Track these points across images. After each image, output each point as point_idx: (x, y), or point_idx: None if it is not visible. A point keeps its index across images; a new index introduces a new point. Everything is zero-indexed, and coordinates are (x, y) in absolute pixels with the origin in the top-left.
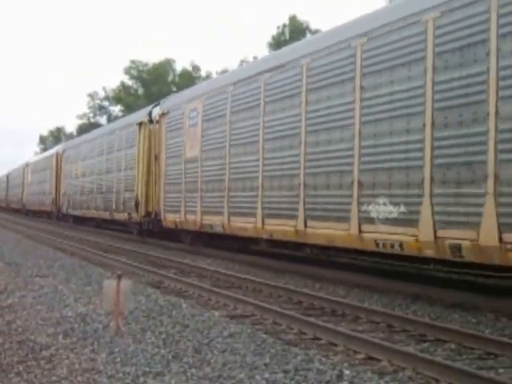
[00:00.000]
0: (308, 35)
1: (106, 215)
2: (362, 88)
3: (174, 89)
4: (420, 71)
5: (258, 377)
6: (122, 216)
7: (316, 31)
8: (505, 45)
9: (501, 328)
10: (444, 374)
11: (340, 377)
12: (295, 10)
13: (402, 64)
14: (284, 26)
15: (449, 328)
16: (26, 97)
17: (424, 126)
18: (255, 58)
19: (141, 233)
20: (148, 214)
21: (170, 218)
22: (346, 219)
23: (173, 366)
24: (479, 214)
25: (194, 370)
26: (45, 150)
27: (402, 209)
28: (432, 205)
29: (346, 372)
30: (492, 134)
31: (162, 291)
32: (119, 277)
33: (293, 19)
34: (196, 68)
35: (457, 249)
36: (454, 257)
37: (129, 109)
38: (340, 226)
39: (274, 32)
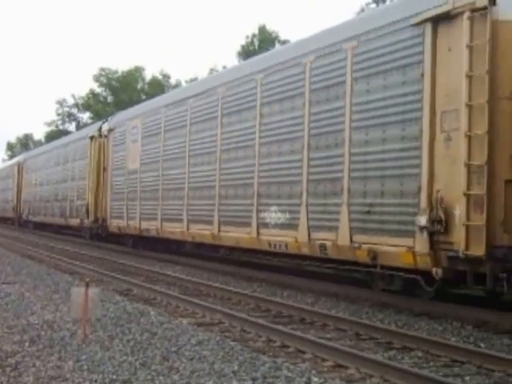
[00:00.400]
0: (277, 45)
1: (61, 221)
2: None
3: (144, 97)
4: (300, 104)
5: None
6: (75, 222)
7: (285, 41)
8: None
9: (466, 336)
10: (412, 382)
11: None
12: (265, 20)
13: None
14: (253, 35)
15: (415, 336)
16: None
17: (303, 148)
18: (224, 67)
19: (91, 237)
20: (97, 220)
21: (114, 224)
22: (249, 224)
23: (140, 374)
24: (338, 220)
25: (161, 378)
26: (12, 157)
27: (287, 215)
28: (307, 212)
29: (315, 379)
30: (346, 156)
31: (130, 299)
32: (87, 284)
33: (262, 29)
34: (166, 76)
35: (323, 247)
36: (322, 254)
37: (98, 116)
38: (244, 230)
39: (243, 42)
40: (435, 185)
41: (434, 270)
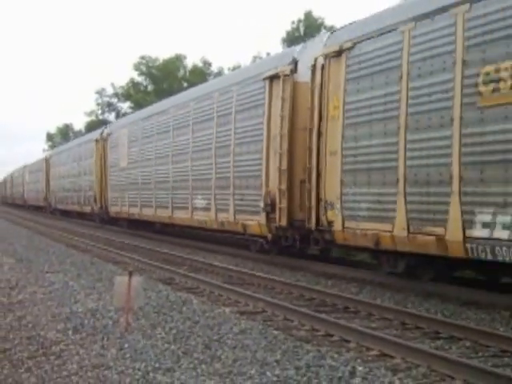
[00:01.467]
0: (323, 31)
1: (78, 208)
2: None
3: (185, 85)
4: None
5: (268, 373)
6: (87, 209)
7: (331, 27)
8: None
9: None
10: (459, 372)
11: (353, 373)
12: (311, 6)
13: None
14: (299, 21)
15: (463, 325)
16: (33, 94)
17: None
18: (268, 54)
19: (100, 221)
20: (102, 207)
21: (113, 210)
22: (187, 208)
23: (183, 362)
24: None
25: (204, 367)
26: (53, 147)
27: (207, 202)
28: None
29: (359, 368)
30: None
31: (173, 287)
32: (130, 273)
33: (308, 15)
34: (207, 64)
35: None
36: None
37: (138, 106)
38: (184, 212)
39: (289, 27)
40: (269, 182)
41: (268, 235)
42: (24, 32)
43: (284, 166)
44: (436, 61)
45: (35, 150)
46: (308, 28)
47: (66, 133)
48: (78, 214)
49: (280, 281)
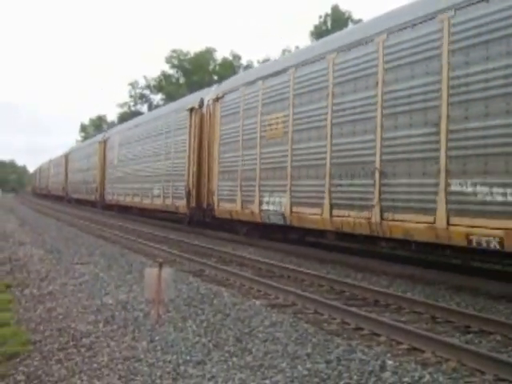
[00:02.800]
0: (350, 25)
1: (86, 197)
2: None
3: (215, 78)
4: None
5: (299, 367)
6: (91, 197)
7: (358, 21)
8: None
9: None
10: (489, 366)
11: (383, 367)
12: (337, 0)
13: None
14: (326, 15)
15: (494, 319)
16: (67, 85)
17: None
18: (297, 47)
19: (102, 208)
20: (100, 195)
21: (107, 198)
22: (148, 196)
23: (214, 355)
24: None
25: (235, 359)
26: (86, 138)
27: (159, 191)
28: (172, 190)
29: (389, 362)
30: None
31: (204, 280)
32: (161, 265)
33: (335, 9)
34: (237, 57)
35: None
36: (177, 210)
37: (170, 98)
38: (148, 199)
39: (317, 21)
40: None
41: (187, 212)
42: (63, 28)
43: (194, 168)
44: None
45: (71, 140)
46: (335, 22)
47: (99, 124)
48: (86, 202)
49: (310, 273)
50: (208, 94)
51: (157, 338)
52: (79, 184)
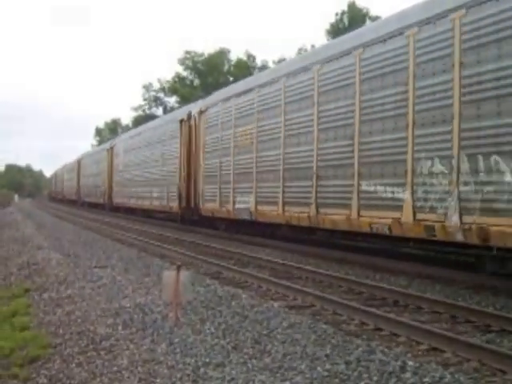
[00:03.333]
0: (368, 22)
1: (96, 200)
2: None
3: (231, 79)
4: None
5: (319, 368)
6: (100, 200)
7: (376, 18)
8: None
9: None
10: (511, 366)
11: (403, 368)
12: None
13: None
14: (343, 13)
15: None
16: (82, 89)
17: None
18: (313, 46)
19: (109, 209)
20: (109, 198)
21: (115, 201)
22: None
23: (233, 357)
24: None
25: (254, 361)
26: (101, 142)
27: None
28: (168, 193)
29: (410, 363)
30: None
31: (221, 282)
32: (178, 267)
33: (352, 6)
34: (251, 57)
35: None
36: (171, 210)
37: (185, 100)
38: (148, 200)
39: (333, 19)
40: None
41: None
42: (77, 33)
43: (184, 173)
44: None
45: (87, 144)
46: (352, 19)
47: (114, 128)
48: (97, 205)
49: (328, 274)
50: (195, 107)
51: (176, 340)
52: (90, 188)
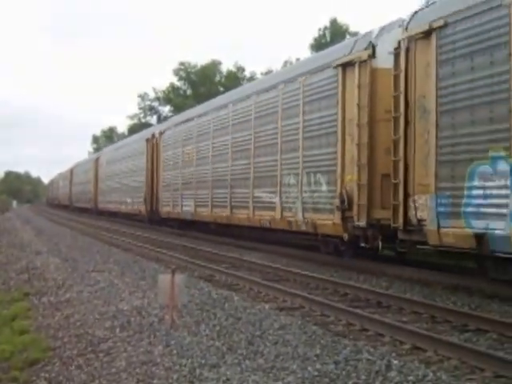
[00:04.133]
0: (347, 37)
1: (86, 205)
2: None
3: (221, 89)
4: None
5: (310, 368)
6: (88, 205)
7: (355, 33)
8: None
9: None
10: (488, 363)
11: (389, 367)
12: (336, 13)
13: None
14: (325, 28)
15: (489, 318)
16: (77, 98)
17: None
18: (298, 59)
19: (96, 213)
20: (94, 204)
21: (100, 206)
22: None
23: (228, 358)
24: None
25: (248, 362)
26: (98, 149)
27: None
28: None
29: (395, 362)
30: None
31: (214, 285)
32: (173, 271)
33: (333, 22)
34: (241, 69)
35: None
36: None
37: (178, 109)
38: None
39: (316, 34)
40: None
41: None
42: (74, 41)
43: (149, 183)
44: None
45: (84, 152)
46: (334, 34)
47: (110, 136)
48: (86, 210)
49: (315, 276)
50: (157, 129)
51: (172, 342)
52: (80, 194)
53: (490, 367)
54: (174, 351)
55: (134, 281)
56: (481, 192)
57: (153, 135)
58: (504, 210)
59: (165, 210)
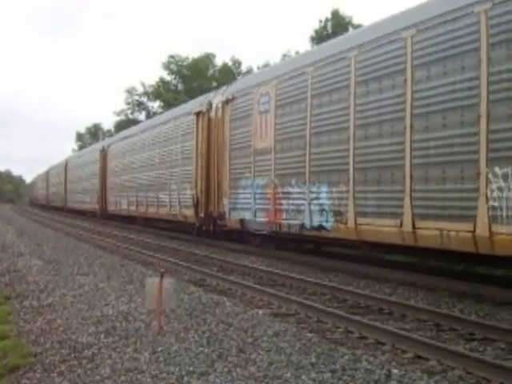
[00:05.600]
0: (350, 30)
1: (56, 204)
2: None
3: (215, 84)
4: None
5: (304, 377)
6: (58, 205)
7: (358, 26)
8: None
9: None
10: (495, 374)
11: (388, 376)
12: (338, 4)
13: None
14: (326, 20)
15: (498, 326)
16: (61, 93)
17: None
18: (297, 52)
19: (64, 210)
20: (64, 203)
21: (69, 205)
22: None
23: (217, 366)
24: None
25: (239, 370)
26: (82, 147)
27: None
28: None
29: (395, 371)
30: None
31: (205, 289)
32: (162, 275)
33: (335, 14)
34: (237, 63)
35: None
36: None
37: (168, 105)
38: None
39: (317, 26)
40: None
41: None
42: (57, 35)
43: (104, 185)
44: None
45: (68, 149)
46: (335, 26)
47: (95, 132)
48: (59, 208)
49: (312, 281)
50: (107, 142)
51: (159, 349)
52: (55, 195)
53: (497, 378)
54: (161, 358)
55: (120, 284)
56: (242, 196)
57: (103, 147)
58: (249, 206)
59: (110, 208)
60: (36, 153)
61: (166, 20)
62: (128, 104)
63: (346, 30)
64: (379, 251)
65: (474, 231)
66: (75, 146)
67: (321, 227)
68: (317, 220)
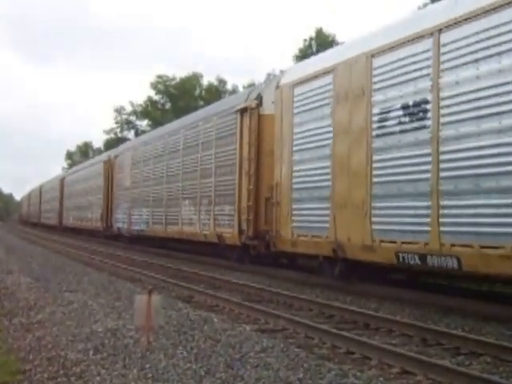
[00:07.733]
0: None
1: (47, 221)
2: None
3: (201, 103)
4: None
5: None
6: (52, 222)
7: (342, 43)
8: None
9: None
10: None
11: None
12: (321, 23)
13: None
14: (311, 38)
15: (483, 340)
16: (51, 112)
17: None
18: (282, 71)
19: (60, 227)
20: (59, 219)
21: (65, 221)
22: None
23: (205, 382)
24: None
25: None
26: (72, 165)
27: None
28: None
29: None
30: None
31: (193, 306)
32: (150, 291)
33: (319, 32)
34: (222, 82)
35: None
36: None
37: (156, 123)
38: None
39: (301, 45)
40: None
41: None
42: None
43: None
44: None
45: (58, 168)
46: (320, 45)
47: (85, 151)
48: (52, 226)
49: (299, 297)
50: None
51: (147, 365)
52: (46, 212)
53: None
54: (150, 374)
55: (108, 301)
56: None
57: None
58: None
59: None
60: (26, 172)
61: (153, 40)
62: (117, 123)
63: (331, 47)
64: None
65: None
66: (65, 165)
67: None
68: None
